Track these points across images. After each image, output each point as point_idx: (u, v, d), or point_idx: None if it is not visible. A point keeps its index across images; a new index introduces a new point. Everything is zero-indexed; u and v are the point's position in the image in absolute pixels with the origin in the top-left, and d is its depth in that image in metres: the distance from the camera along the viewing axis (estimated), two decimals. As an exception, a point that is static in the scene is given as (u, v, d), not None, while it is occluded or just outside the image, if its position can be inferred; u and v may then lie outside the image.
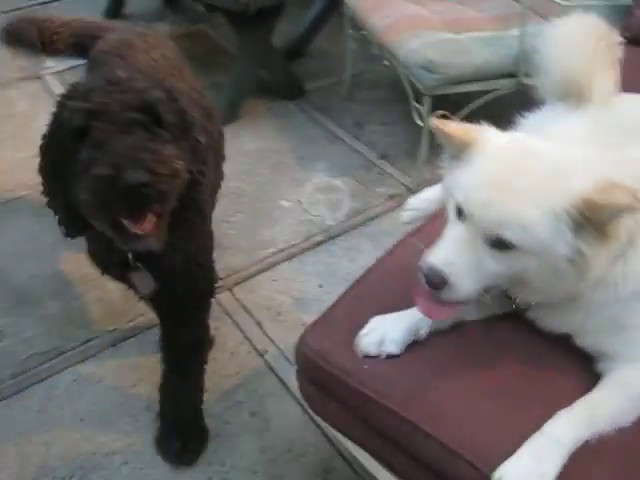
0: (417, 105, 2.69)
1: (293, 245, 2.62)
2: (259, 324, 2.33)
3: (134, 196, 1.32)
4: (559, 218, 1.17)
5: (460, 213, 1.26)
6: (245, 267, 2.55)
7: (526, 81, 2.60)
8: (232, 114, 3.25)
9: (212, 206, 2.03)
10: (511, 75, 2.63)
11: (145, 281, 1.68)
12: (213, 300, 2.31)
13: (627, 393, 1.31)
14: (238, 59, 3.25)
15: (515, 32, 2.59)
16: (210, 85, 3.47)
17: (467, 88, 2.61)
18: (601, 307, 1.30)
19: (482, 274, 1.24)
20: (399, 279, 1.57)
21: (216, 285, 1.94)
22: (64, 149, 1.39)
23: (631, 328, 1.32)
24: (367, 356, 1.42)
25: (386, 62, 2.89)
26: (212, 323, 2.29)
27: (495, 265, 1.23)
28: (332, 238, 2.65)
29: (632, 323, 1.31)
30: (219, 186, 2.17)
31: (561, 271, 1.21)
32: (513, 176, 1.21)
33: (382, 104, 3.34)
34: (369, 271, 1.63)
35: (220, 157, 2.13)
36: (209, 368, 2.18)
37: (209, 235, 1.87)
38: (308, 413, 2.06)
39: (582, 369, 1.37)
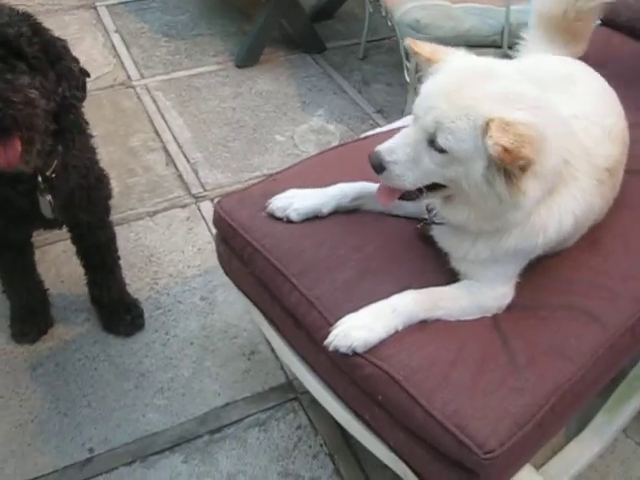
0: (407, 63, 2.95)
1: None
2: (227, 229, 2.64)
3: None
4: (480, 136, 1.32)
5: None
6: (229, 184, 2.87)
7: (509, 53, 2.83)
8: (252, 58, 3.58)
9: None
10: (496, 46, 2.84)
11: (50, 203, 1.86)
12: (194, 205, 2.66)
13: (471, 301, 1.55)
14: (264, 8, 3.56)
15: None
16: (238, 32, 3.83)
17: (450, 51, 2.85)
18: (492, 244, 1.51)
19: (419, 169, 1.41)
20: (315, 173, 1.85)
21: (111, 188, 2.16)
22: None
23: (499, 264, 1.54)
24: (272, 217, 1.72)
25: (389, 23, 3.15)
26: (188, 224, 2.64)
27: (429, 162, 1.40)
28: (313, 172, 2.94)
29: (503, 260, 1.53)
30: None
31: (482, 191, 1.37)
32: (460, 89, 1.37)
33: (393, 68, 3.60)
34: (290, 166, 1.93)
35: None
36: (176, 257, 2.52)
37: (94, 150, 2.05)
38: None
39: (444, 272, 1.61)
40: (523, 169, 1.32)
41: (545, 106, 1.44)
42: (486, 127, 1.31)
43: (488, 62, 1.49)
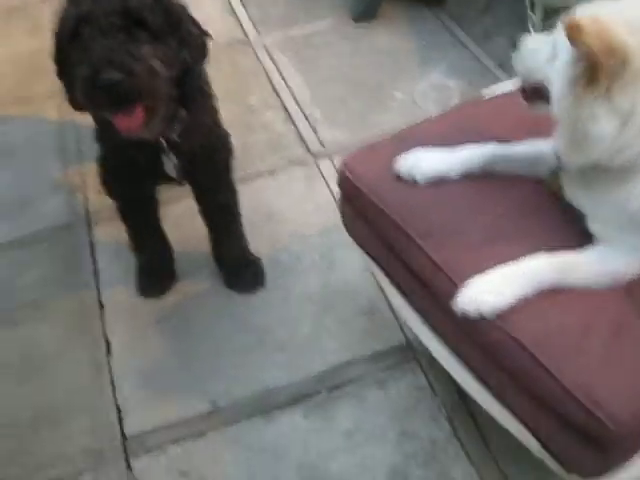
0: (532, 14, 2.83)
1: (396, 131, 2.87)
2: (346, 188, 2.64)
3: (113, 93, 1.54)
4: None
5: None
6: (348, 142, 2.84)
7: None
8: (371, 12, 3.51)
9: None
10: (629, -4, 2.68)
11: (174, 164, 1.94)
12: (314, 163, 2.67)
13: (606, 268, 1.48)
14: (384, -39, 3.49)
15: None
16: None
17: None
18: (619, 204, 1.43)
19: (539, 57, 1.45)
20: (441, 133, 1.81)
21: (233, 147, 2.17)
22: (62, 48, 1.64)
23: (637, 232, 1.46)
24: (398, 177, 1.69)
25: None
26: (307, 182, 2.65)
27: (545, 53, 1.42)
28: (432, 129, 2.88)
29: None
30: None
31: (557, 97, 1.37)
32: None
33: (516, 20, 3.44)
34: (414, 125, 1.89)
35: None
36: (296, 216, 2.55)
37: (216, 112, 2.07)
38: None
39: (578, 233, 1.54)
40: (590, 72, 1.27)
41: None
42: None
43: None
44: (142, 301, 2.34)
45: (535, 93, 1.52)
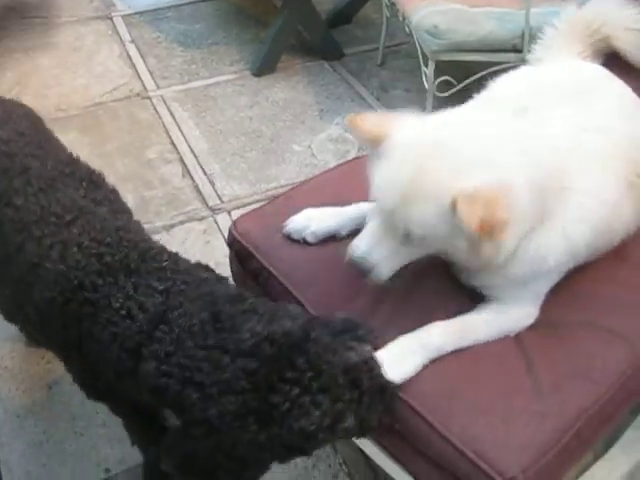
0: (425, 69, 2.90)
1: (293, 183, 2.88)
2: (244, 243, 2.61)
3: None
4: (452, 217, 1.26)
5: None
6: (246, 196, 2.84)
7: (529, 57, 2.76)
8: (269, 66, 3.55)
9: None
10: (516, 50, 2.78)
11: None
12: (211, 217, 2.63)
13: (498, 326, 1.50)
14: (280, 15, 3.53)
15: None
16: (255, 39, 3.81)
17: (470, 57, 2.79)
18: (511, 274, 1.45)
19: (399, 258, 1.41)
20: (331, 188, 1.81)
21: None
22: None
23: (528, 283, 1.49)
24: (289, 238, 1.67)
25: (406, 29, 3.10)
26: (205, 237, 2.62)
27: (410, 251, 1.40)
28: (330, 182, 2.90)
29: (528, 283, 1.48)
30: None
31: (467, 252, 1.35)
32: (417, 176, 1.29)
33: (411, 73, 3.53)
34: (305, 181, 1.89)
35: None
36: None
37: None
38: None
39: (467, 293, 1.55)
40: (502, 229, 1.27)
41: (510, 146, 1.36)
42: (454, 207, 1.26)
43: (436, 130, 1.39)
44: (31, 365, 2.24)
45: None
